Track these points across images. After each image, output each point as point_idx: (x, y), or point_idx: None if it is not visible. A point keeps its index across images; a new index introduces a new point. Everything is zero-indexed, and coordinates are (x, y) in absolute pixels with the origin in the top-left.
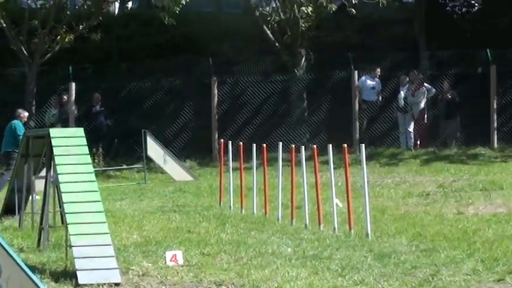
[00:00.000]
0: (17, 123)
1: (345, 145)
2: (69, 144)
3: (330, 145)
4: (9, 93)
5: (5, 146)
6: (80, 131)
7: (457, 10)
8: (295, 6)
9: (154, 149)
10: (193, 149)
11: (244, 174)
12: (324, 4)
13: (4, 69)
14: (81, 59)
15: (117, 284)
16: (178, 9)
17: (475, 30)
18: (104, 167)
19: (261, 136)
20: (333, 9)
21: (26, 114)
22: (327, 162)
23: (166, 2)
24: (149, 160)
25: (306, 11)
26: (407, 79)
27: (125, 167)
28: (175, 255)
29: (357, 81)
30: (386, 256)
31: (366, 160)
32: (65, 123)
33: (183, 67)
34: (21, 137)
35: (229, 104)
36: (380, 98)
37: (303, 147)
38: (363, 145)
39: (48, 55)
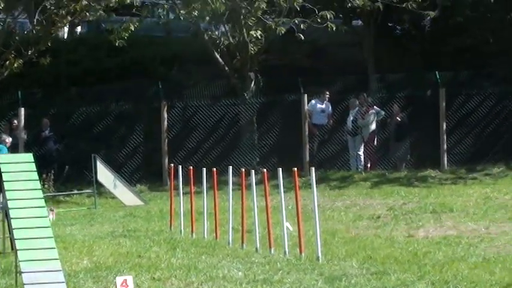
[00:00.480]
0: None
1: (295, 169)
2: (19, 170)
3: (280, 169)
4: None
5: None
6: (30, 157)
7: (406, 33)
8: (244, 30)
9: (104, 174)
10: (144, 173)
11: (195, 199)
12: (273, 27)
13: None
14: (30, 84)
15: None
16: (126, 34)
17: (424, 52)
18: (54, 192)
19: (212, 160)
20: (282, 32)
21: (10, 139)
22: (277, 186)
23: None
24: (99, 185)
25: (254, 35)
26: (357, 102)
27: (75, 192)
28: (126, 280)
29: (306, 104)
30: (337, 279)
31: (317, 183)
32: (14, 149)
33: (133, 91)
34: None
35: (180, 128)
36: (331, 121)
37: (253, 171)
38: (313, 168)
39: None
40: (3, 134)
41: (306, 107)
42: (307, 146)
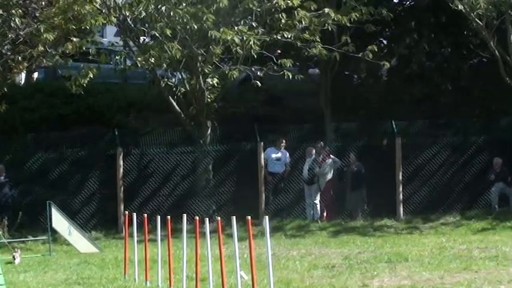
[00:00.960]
0: None
1: (249, 217)
2: None
3: (234, 217)
4: None
5: None
6: None
7: (363, 81)
8: (200, 77)
9: (59, 221)
10: (99, 220)
11: (150, 246)
12: (227, 72)
13: None
14: None
15: None
16: (85, 81)
17: (380, 101)
18: (8, 238)
19: (168, 207)
20: (234, 76)
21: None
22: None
23: (73, 74)
24: (54, 232)
25: (211, 83)
26: (313, 150)
27: (29, 238)
28: None
29: (263, 152)
30: None
31: (272, 232)
32: None
33: (89, 138)
34: None
35: (135, 175)
36: (287, 169)
37: (207, 219)
38: (267, 217)
39: None
40: None
41: (262, 155)
42: (263, 195)
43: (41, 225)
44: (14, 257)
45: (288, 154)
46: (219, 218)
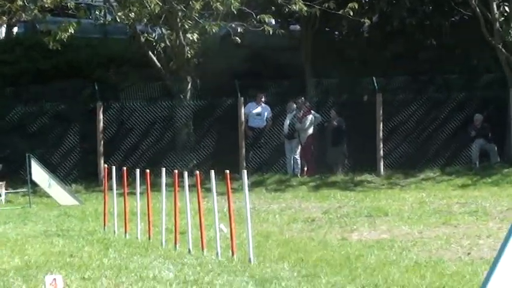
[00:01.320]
0: None
1: (227, 171)
2: None
3: (213, 171)
4: None
5: None
6: None
7: (345, 38)
8: (180, 32)
9: (39, 173)
10: (80, 173)
11: (129, 199)
12: (207, 28)
13: None
14: None
15: None
16: (66, 36)
17: (361, 58)
18: None
19: (148, 161)
20: (214, 31)
21: None
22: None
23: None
24: (34, 184)
25: (191, 38)
26: (294, 106)
27: (9, 191)
28: (55, 279)
29: (243, 108)
30: (268, 282)
31: (253, 186)
32: None
33: (69, 92)
34: None
35: (116, 129)
36: (269, 124)
37: (186, 172)
38: (245, 171)
39: None
40: None
41: (243, 110)
42: (243, 150)
43: (21, 177)
44: None
45: (269, 109)
46: (197, 172)
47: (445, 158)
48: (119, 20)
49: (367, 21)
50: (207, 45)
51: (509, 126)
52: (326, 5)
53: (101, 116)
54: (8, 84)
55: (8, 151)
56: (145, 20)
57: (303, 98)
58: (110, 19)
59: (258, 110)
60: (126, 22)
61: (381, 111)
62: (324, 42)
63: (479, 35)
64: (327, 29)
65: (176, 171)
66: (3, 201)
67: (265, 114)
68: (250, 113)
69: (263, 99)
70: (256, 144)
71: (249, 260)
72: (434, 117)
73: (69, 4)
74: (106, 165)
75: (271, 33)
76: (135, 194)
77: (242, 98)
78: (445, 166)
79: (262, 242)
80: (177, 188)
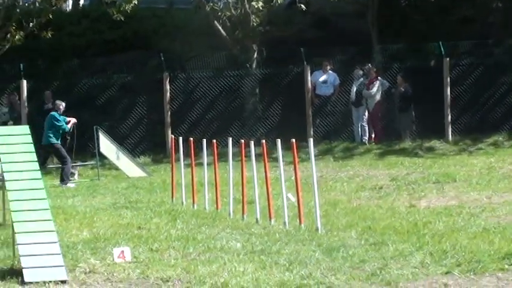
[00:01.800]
0: (54, 116)
1: (294, 140)
2: (15, 142)
3: (279, 140)
4: None
5: (47, 138)
6: (26, 129)
7: (411, 3)
8: (245, 1)
9: (107, 146)
10: (147, 145)
11: (196, 170)
12: None
13: None
14: (33, 57)
15: (63, 282)
16: (129, 7)
17: (428, 23)
18: (57, 164)
19: (215, 132)
20: (279, 2)
21: (63, 105)
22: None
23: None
24: (103, 157)
25: (256, 6)
26: (360, 73)
27: (78, 164)
28: (123, 251)
29: (309, 75)
30: (335, 250)
31: (321, 155)
32: (17, 121)
33: (135, 63)
34: (63, 126)
35: (182, 100)
36: (336, 91)
37: (252, 142)
38: (311, 139)
39: None
40: (57, 101)
41: (309, 78)
42: (310, 118)
43: (90, 150)
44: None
45: (336, 76)
46: (263, 141)
47: None
48: None
49: None
50: (273, 13)
51: None
52: None
53: (168, 87)
54: (74, 57)
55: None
56: None
57: (369, 65)
58: None
59: (324, 77)
60: None
61: (448, 76)
62: (390, 7)
63: None
64: None
65: (243, 141)
66: (76, 178)
67: (332, 81)
68: (316, 81)
69: (329, 67)
70: (323, 112)
71: (317, 229)
72: (502, 81)
73: None
74: (173, 136)
75: None
76: (202, 164)
77: (308, 66)
78: None
79: (330, 211)
80: (244, 158)
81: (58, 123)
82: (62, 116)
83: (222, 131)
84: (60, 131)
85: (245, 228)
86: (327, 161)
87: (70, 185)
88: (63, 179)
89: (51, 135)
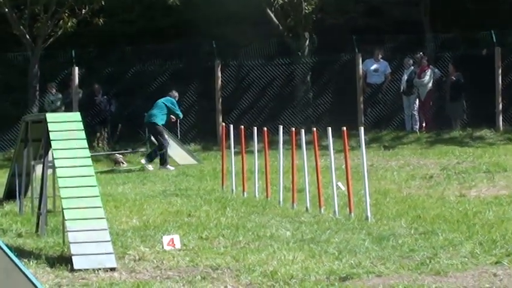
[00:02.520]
0: (173, 101)
1: (344, 128)
2: (66, 128)
3: (329, 128)
4: (13, 77)
5: (152, 117)
6: (77, 116)
7: None
8: None
9: None
10: (198, 132)
11: (247, 158)
12: None
13: (8, 53)
14: (84, 43)
15: (112, 269)
16: None
17: (480, 11)
18: (109, 151)
19: (265, 119)
20: None
21: (177, 94)
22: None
23: None
24: (153, 144)
25: None
26: (411, 61)
27: (128, 151)
28: (173, 239)
29: (361, 64)
30: (385, 239)
31: (371, 143)
32: (68, 108)
33: (187, 50)
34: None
35: (234, 87)
36: (387, 79)
37: (303, 130)
38: (362, 128)
39: (51, 39)
40: (173, 90)
41: (361, 66)
42: (361, 106)
43: (140, 137)
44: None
45: (388, 65)
46: (314, 129)
47: None
48: None
49: None
50: (325, 0)
51: None
52: None
53: (219, 74)
54: (127, 44)
55: (127, 111)
56: None
57: (421, 53)
58: None
59: (376, 66)
60: None
61: (500, 65)
62: None
63: None
64: None
65: (293, 128)
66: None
67: (383, 70)
68: (368, 70)
69: (380, 56)
70: (374, 100)
71: (366, 218)
72: None
73: None
74: (224, 124)
75: None
76: (253, 152)
77: (359, 54)
78: None
79: (380, 200)
80: (294, 146)
81: (175, 108)
82: None
83: (272, 119)
84: (171, 116)
85: (295, 217)
86: (376, 150)
87: (170, 167)
88: (163, 162)
89: (159, 116)
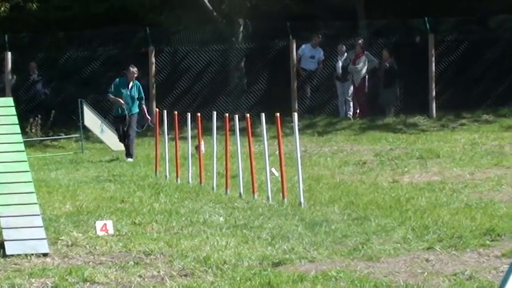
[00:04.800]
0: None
1: (278, 114)
2: None
3: (263, 114)
4: None
5: (135, 107)
6: (10, 101)
7: None
8: None
9: (91, 119)
10: None
11: (181, 144)
12: None
13: None
14: (18, 28)
15: (45, 254)
16: None
17: None
18: (41, 136)
19: (200, 105)
20: None
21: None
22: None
23: None
24: (87, 130)
25: None
26: (344, 48)
27: (62, 136)
28: (106, 224)
29: (295, 50)
30: (318, 225)
31: (304, 129)
32: (1, 93)
33: (121, 37)
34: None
35: (168, 73)
36: (320, 66)
37: (237, 116)
38: (296, 114)
39: None
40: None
41: (295, 53)
42: (295, 92)
43: (74, 123)
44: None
45: (322, 52)
46: (248, 115)
47: (498, 99)
48: None
49: None
50: None
51: None
52: None
53: (153, 60)
54: (61, 29)
55: (60, 96)
56: None
57: (360, 41)
58: None
59: (312, 52)
60: None
61: (433, 52)
62: None
63: None
64: None
65: (227, 114)
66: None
67: (319, 57)
68: (304, 55)
69: (316, 42)
70: (308, 87)
71: (300, 204)
72: (486, 58)
73: None
74: (157, 110)
75: None
76: (186, 138)
77: (294, 40)
78: (498, 107)
79: (313, 186)
80: (228, 132)
81: (143, 92)
82: None
83: (207, 105)
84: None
85: (228, 203)
86: (310, 136)
87: (131, 159)
88: (131, 153)
89: (135, 105)
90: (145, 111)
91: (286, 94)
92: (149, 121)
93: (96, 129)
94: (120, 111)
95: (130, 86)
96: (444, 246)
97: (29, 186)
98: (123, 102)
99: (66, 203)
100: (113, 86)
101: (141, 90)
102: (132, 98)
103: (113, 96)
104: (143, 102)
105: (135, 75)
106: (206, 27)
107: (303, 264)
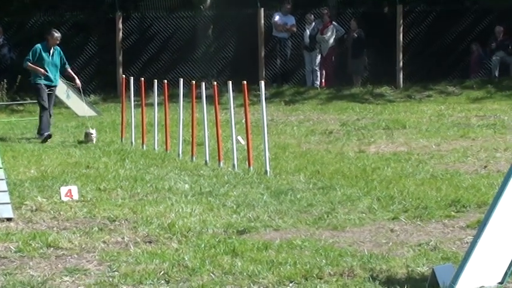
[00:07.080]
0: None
1: (245, 82)
2: None
3: (230, 82)
4: None
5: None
6: None
7: None
8: None
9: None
10: (98, 84)
11: (147, 111)
12: None
13: None
14: None
15: (9, 219)
16: None
17: None
18: (8, 101)
19: (167, 72)
20: None
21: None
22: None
23: None
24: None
25: None
26: (312, 17)
27: (28, 101)
28: (70, 190)
29: (263, 18)
30: (283, 193)
31: (271, 98)
32: None
33: (88, 1)
34: None
35: (135, 40)
36: (289, 34)
37: (203, 83)
38: (263, 82)
39: None
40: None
41: (262, 21)
42: (263, 61)
43: None
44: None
45: (294, 19)
46: (215, 83)
47: (465, 70)
48: None
49: None
50: None
51: None
52: None
53: (120, 26)
54: None
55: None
56: None
57: (326, 10)
58: None
59: (285, 20)
60: None
61: (401, 23)
62: None
63: None
64: None
65: (194, 82)
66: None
67: (290, 24)
68: (275, 23)
69: (289, 7)
70: (275, 55)
71: (265, 172)
72: (455, 29)
73: None
74: (124, 76)
75: None
76: (152, 105)
77: (262, 8)
78: (464, 79)
79: (279, 154)
80: (194, 99)
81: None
82: None
83: (174, 72)
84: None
85: (194, 170)
86: (277, 105)
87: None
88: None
89: (58, 75)
90: (73, 74)
91: (253, 63)
92: (79, 86)
93: (62, 94)
94: (43, 79)
95: (51, 52)
96: (409, 216)
97: None
98: (44, 72)
99: (31, 167)
100: (31, 53)
101: (63, 56)
102: (55, 65)
103: (32, 65)
104: (68, 66)
105: (58, 41)
106: None
107: (268, 232)
